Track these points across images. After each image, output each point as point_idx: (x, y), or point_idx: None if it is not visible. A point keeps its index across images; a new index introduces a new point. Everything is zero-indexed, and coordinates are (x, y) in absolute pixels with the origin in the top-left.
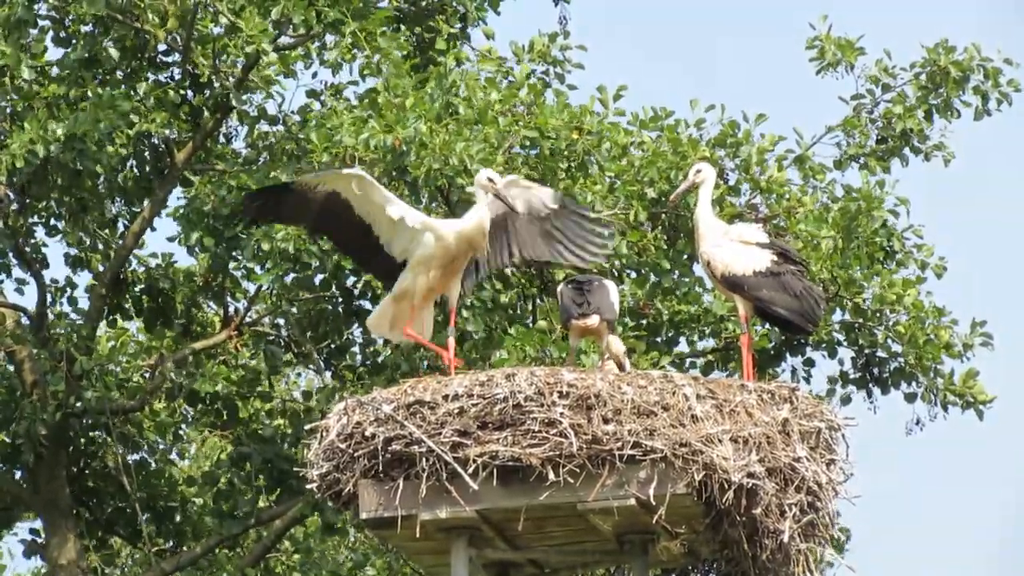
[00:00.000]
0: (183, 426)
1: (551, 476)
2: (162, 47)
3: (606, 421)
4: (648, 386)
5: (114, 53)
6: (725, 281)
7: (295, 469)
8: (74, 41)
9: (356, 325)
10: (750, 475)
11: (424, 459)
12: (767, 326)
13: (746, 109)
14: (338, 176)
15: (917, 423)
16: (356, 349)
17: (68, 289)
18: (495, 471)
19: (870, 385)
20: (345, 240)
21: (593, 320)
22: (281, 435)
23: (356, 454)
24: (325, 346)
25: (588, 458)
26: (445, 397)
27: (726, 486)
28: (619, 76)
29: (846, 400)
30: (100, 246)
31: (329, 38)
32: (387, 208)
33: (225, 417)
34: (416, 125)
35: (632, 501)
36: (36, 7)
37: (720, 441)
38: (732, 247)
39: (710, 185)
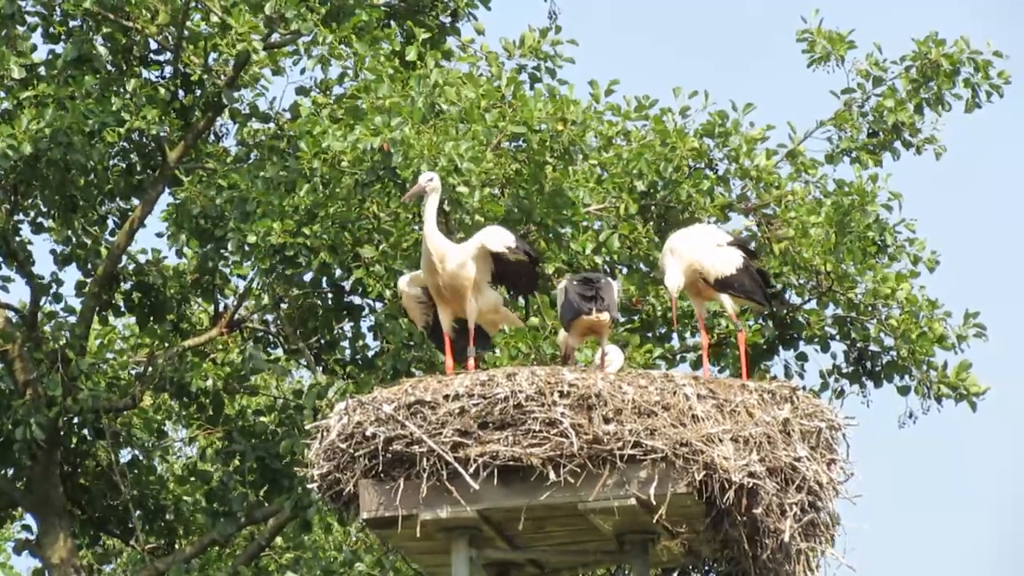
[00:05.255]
0: (178, 426)
1: (552, 476)
2: (153, 45)
3: (607, 421)
4: (649, 386)
5: (103, 52)
6: (719, 284)
7: (294, 468)
8: (64, 40)
9: (347, 320)
10: (751, 475)
11: (425, 459)
12: (760, 321)
13: (734, 98)
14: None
15: (910, 416)
16: (346, 344)
17: (55, 285)
18: (496, 471)
19: (863, 379)
20: None
21: (606, 316)
22: (272, 432)
23: (357, 454)
24: (315, 341)
25: (589, 458)
26: (446, 397)
27: (727, 486)
28: (607, 68)
29: (839, 394)
30: (88, 243)
31: (306, 38)
32: None
33: (211, 413)
34: (402, 127)
35: (632, 501)
36: (23, 3)
37: (721, 441)
38: (715, 252)
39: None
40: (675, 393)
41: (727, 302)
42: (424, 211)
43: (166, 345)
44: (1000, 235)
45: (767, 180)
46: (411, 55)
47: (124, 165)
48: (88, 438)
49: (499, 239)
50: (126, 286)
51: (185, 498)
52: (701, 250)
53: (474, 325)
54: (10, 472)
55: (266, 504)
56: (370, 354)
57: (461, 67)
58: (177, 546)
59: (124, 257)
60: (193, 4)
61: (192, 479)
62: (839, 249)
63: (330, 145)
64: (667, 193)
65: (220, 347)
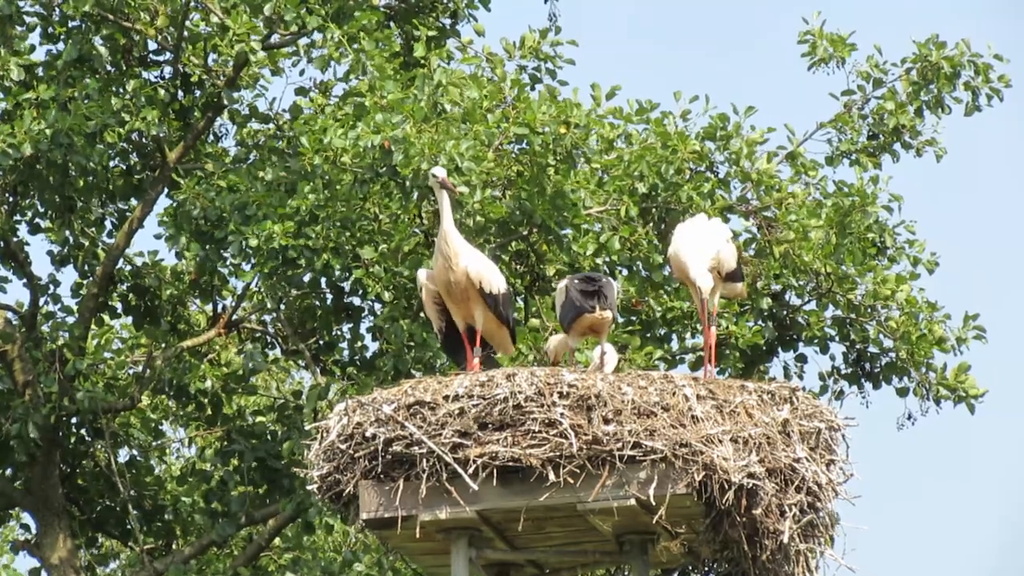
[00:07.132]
0: (177, 427)
1: (551, 477)
2: (152, 46)
3: (606, 421)
4: (648, 387)
5: (103, 52)
6: (729, 276)
7: (294, 469)
8: (63, 40)
9: (346, 321)
10: (750, 475)
11: (424, 460)
12: (760, 322)
13: (735, 102)
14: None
15: (909, 418)
16: (344, 345)
17: (51, 286)
18: (495, 472)
19: (862, 380)
20: None
21: (608, 313)
22: (272, 433)
23: (356, 455)
24: (313, 342)
25: (588, 458)
26: (445, 398)
27: (726, 486)
28: (607, 70)
29: (837, 395)
30: (86, 244)
31: (317, 35)
32: None
33: (210, 413)
34: (404, 125)
35: (632, 501)
36: (22, 4)
37: (720, 441)
38: (727, 244)
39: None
40: (675, 394)
41: (728, 292)
42: (440, 207)
43: (163, 346)
44: (1000, 236)
45: (768, 183)
46: (419, 51)
47: (124, 166)
48: (87, 438)
49: (496, 283)
50: (123, 287)
51: (184, 499)
52: (720, 243)
53: (481, 328)
54: (8, 472)
55: (268, 502)
56: (368, 355)
57: (465, 68)
58: (175, 546)
59: (121, 259)
60: (193, 4)
61: (191, 479)
62: (839, 250)
63: (331, 141)
64: (668, 195)
65: (218, 347)
